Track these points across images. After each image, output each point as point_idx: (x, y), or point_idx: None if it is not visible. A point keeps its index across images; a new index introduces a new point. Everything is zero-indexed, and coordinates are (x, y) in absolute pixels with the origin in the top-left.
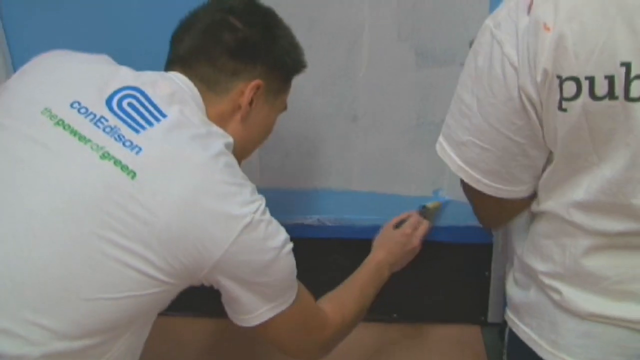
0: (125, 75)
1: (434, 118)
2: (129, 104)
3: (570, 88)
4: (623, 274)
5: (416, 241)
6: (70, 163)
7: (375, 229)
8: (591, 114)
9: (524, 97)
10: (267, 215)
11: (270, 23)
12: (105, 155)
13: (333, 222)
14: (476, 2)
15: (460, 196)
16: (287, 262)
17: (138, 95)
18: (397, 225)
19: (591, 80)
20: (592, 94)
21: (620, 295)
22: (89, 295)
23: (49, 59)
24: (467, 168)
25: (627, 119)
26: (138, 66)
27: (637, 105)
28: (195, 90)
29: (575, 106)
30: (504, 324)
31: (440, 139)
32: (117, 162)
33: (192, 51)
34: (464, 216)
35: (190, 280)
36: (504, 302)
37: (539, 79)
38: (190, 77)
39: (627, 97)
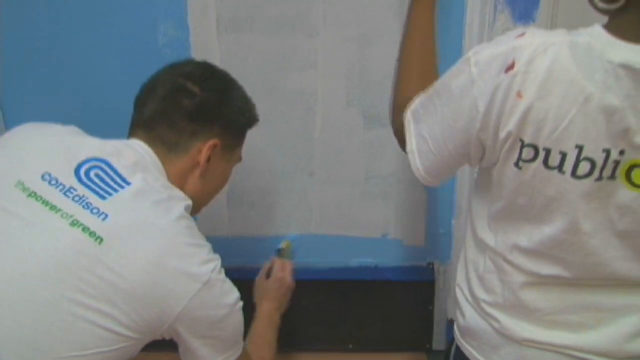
0: (92, 146)
1: (381, 172)
2: (96, 174)
3: (529, 152)
4: (553, 307)
5: (288, 280)
6: (42, 231)
7: (333, 270)
8: (541, 178)
9: (478, 139)
10: (223, 274)
11: (225, 86)
12: (75, 223)
13: (294, 265)
14: None
15: (406, 238)
16: (239, 318)
17: (103, 165)
18: (267, 275)
19: (547, 151)
20: (546, 163)
21: (551, 325)
22: (61, 354)
23: (22, 132)
24: (415, 156)
25: (568, 192)
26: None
27: (580, 182)
28: (155, 157)
29: (530, 168)
30: (447, 350)
31: (409, 116)
32: (85, 229)
33: (154, 116)
34: (410, 258)
35: (153, 335)
36: (446, 331)
37: (501, 135)
38: (153, 140)
39: (574, 174)
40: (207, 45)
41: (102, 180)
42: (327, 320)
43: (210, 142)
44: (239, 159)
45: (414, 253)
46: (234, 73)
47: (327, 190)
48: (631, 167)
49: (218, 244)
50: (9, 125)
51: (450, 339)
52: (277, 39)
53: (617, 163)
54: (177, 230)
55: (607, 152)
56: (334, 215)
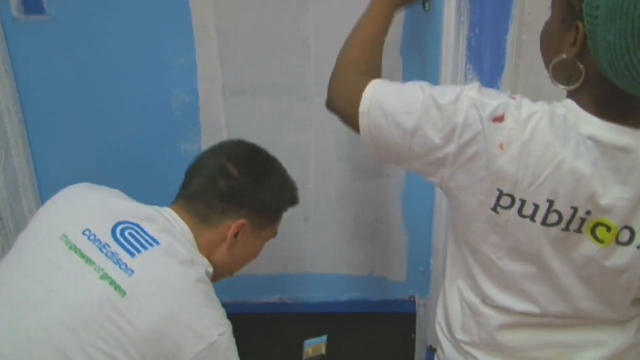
0: (130, 210)
1: (367, 218)
2: (130, 234)
3: (506, 200)
4: (524, 345)
5: None
6: (76, 282)
7: (325, 304)
8: (514, 223)
9: (442, 150)
10: (230, 341)
11: (263, 171)
12: (104, 276)
13: (291, 300)
14: None
15: (390, 275)
16: None
17: (137, 228)
18: None
19: (523, 202)
20: (520, 212)
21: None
22: None
23: (72, 192)
24: (369, 139)
25: (537, 237)
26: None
27: (549, 229)
28: (185, 227)
29: (506, 213)
30: None
31: (374, 99)
32: (112, 282)
33: (195, 190)
34: (393, 292)
35: None
36: (426, 357)
37: (477, 172)
38: (189, 210)
39: (543, 223)
40: (214, 109)
41: (134, 239)
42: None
43: (239, 222)
44: (273, 234)
45: (397, 288)
46: (238, 133)
47: (320, 234)
48: (596, 225)
49: (222, 283)
50: (40, 179)
51: None
52: (276, 103)
53: (583, 220)
54: (194, 292)
55: (575, 210)
56: (326, 255)
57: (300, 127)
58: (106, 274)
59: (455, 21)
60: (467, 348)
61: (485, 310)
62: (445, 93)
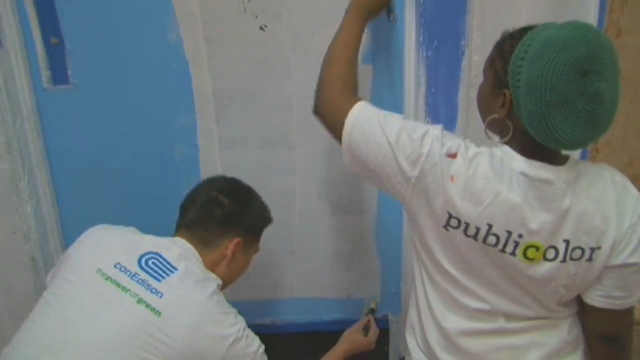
0: (149, 243)
1: (345, 249)
2: (153, 263)
3: (454, 222)
4: (481, 350)
5: (373, 345)
6: (117, 307)
7: (310, 324)
8: (460, 240)
9: (402, 172)
10: (247, 331)
11: (247, 198)
12: (140, 301)
13: (280, 322)
14: None
15: (367, 297)
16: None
17: (158, 257)
18: (365, 329)
19: (467, 224)
20: (465, 232)
21: None
22: None
23: (97, 233)
24: (348, 153)
25: (479, 252)
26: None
27: (488, 247)
28: (194, 250)
29: (454, 232)
30: None
31: (358, 119)
32: (147, 305)
33: (194, 220)
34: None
35: None
36: None
37: (431, 198)
38: (192, 238)
39: (484, 242)
40: (211, 159)
41: (157, 267)
42: None
43: (235, 241)
44: (257, 250)
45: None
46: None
47: (304, 264)
48: (527, 247)
49: None
50: (64, 223)
51: None
52: (264, 153)
53: (517, 243)
54: (211, 303)
55: (509, 233)
56: (310, 282)
57: (285, 172)
58: (141, 298)
59: (415, 83)
60: (435, 349)
61: (449, 316)
62: (415, 128)
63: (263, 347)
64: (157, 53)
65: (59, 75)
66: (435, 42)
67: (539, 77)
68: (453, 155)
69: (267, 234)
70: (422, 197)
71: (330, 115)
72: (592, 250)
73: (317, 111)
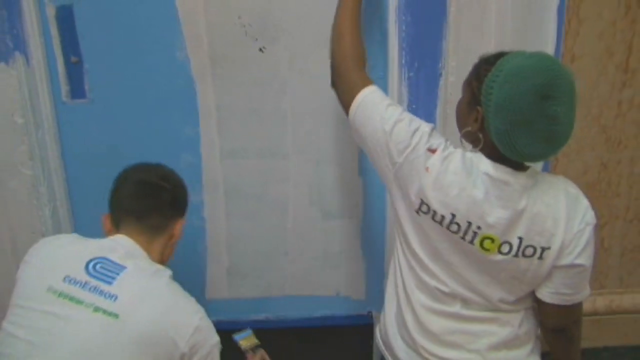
0: (93, 248)
1: (334, 250)
2: (101, 267)
3: (425, 207)
4: (443, 332)
5: None
6: (77, 322)
7: (301, 320)
8: (429, 225)
9: (390, 158)
10: (208, 322)
11: (179, 180)
12: (96, 309)
13: (274, 317)
14: (353, 180)
15: (353, 295)
16: (217, 357)
17: (104, 261)
18: None
19: (435, 211)
20: (433, 218)
21: (442, 344)
22: None
23: (40, 249)
24: (354, 127)
25: (443, 238)
26: None
27: (451, 234)
28: (138, 247)
29: (424, 217)
30: None
31: (365, 100)
32: (104, 312)
33: (145, 209)
34: (355, 309)
35: None
36: (381, 357)
37: (407, 186)
38: (142, 228)
39: (448, 229)
40: (213, 168)
41: (106, 269)
42: (299, 353)
43: (181, 220)
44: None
45: (358, 305)
46: (234, 187)
47: (297, 264)
48: (484, 239)
49: (220, 304)
50: (77, 224)
51: None
52: (262, 161)
53: (475, 233)
54: (169, 292)
55: (469, 223)
56: (302, 281)
57: (281, 180)
58: (97, 306)
59: (397, 100)
60: (413, 333)
61: (416, 293)
62: (411, 122)
63: (220, 346)
64: (166, 71)
65: (77, 90)
66: (416, 64)
67: (506, 99)
68: (433, 151)
69: (263, 237)
70: (402, 181)
71: (344, 91)
72: (543, 249)
73: (334, 85)
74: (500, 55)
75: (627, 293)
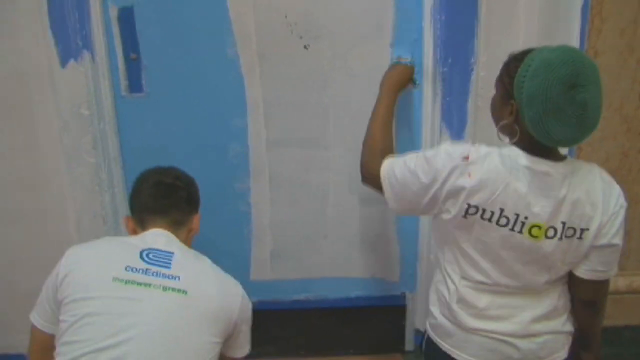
0: (136, 242)
1: (370, 234)
2: (153, 255)
3: (472, 209)
4: (486, 305)
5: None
6: (151, 301)
7: (340, 300)
8: (479, 224)
9: (434, 192)
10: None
11: (191, 179)
12: (165, 288)
13: (314, 298)
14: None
15: (387, 277)
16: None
17: (153, 250)
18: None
19: (484, 210)
20: (482, 216)
21: (484, 317)
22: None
23: (81, 250)
24: (392, 199)
25: (493, 234)
26: None
27: (501, 229)
28: (173, 236)
29: (472, 218)
30: (421, 343)
31: (387, 167)
32: (173, 289)
33: (167, 206)
34: (389, 289)
35: (227, 336)
36: (414, 337)
37: (454, 194)
38: (166, 223)
39: (497, 223)
40: (260, 157)
41: (158, 257)
42: (337, 332)
43: (197, 215)
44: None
45: (392, 287)
46: (278, 175)
47: (336, 248)
48: (532, 227)
49: (263, 285)
50: None
51: (418, 343)
52: (305, 151)
53: (523, 223)
54: (215, 269)
55: (517, 216)
56: (340, 263)
57: (322, 169)
58: (165, 286)
59: (432, 93)
60: (454, 307)
61: (462, 282)
62: (430, 153)
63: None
64: (217, 67)
65: (135, 85)
66: (450, 60)
67: (537, 90)
68: (467, 157)
69: (306, 220)
70: (448, 195)
71: (372, 180)
72: (582, 230)
73: (364, 181)
74: (527, 52)
75: None
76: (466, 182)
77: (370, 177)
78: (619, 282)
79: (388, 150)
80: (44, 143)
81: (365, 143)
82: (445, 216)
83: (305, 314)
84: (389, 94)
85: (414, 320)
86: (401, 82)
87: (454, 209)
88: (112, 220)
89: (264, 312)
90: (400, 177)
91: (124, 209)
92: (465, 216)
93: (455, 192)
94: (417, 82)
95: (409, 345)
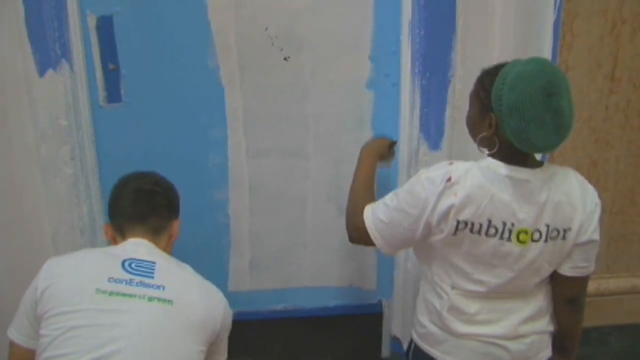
0: (117, 252)
1: (348, 243)
2: (136, 265)
3: (462, 225)
4: (475, 312)
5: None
6: (136, 312)
7: (317, 309)
8: (468, 237)
9: (427, 221)
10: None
11: (170, 184)
12: (150, 299)
13: (292, 307)
14: None
15: (364, 285)
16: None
17: (134, 260)
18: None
19: (472, 223)
20: (471, 230)
21: (473, 322)
22: None
23: (61, 262)
24: (377, 237)
25: (482, 245)
26: None
27: (490, 239)
28: (152, 244)
29: (462, 232)
30: (407, 350)
31: (369, 213)
32: (159, 299)
33: (146, 213)
34: (367, 298)
35: (210, 344)
36: (390, 344)
37: (444, 216)
38: (145, 230)
39: (486, 235)
40: (239, 167)
41: (141, 267)
42: (314, 340)
43: (178, 221)
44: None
45: (369, 295)
46: (257, 185)
47: (315, 257)
48: (519, 232)
49: (241, 296)
50: None
51: (394, 350)
52: (284, 161)
53: (510, 231)
54: (197, 277)
55: (504, 224)
56: (320, 272)
57: (301, 178)
58: (150, 297)
59: (410, 105)
60: (445, 314)
61: (453, 292)
62: (409, 185)
63: None
64: (197, 78)
65: (113, 95)
66: (428, 73)
67: (517, 101)
68: (449, 179)
69: (285, 230)
70: (439, 219)
71: (359, 236)
72: (565, 231)
73: (351, 240)
74: (499, 66)
75: (613, 278)
76: (453, 200)
77: (357, 233)
78: (588, 286)
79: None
80: (19, 153)
81: (348, 208)
82: (437, 237)
83: (283, 323)
84: (369, 161)
85: (391, 327)
86: (380, 151)
87: (446, 228)
88: (90, 232)
89: (242, 323)
90: (387, 219)
91: (101, 220)
92: (455, 233)
93: (445, 213)
94: (395, 151)
95: (385, 352)
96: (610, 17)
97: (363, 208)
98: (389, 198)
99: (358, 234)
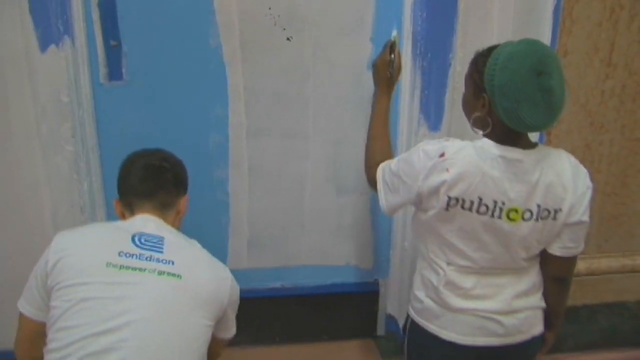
0: (126, 226)
1: (346, 223)
2: (145, 240)
3: (453, 201)
4: (472, 285)
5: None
6: (146, 286)
7: (316, 287)
8: (460, 214)
9: (418, 191)
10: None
11: (178, 160)
12: (160, 273)
13: (289, 285)
14: None
15: (361, 264)
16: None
17: (144, 235)
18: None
19: (463, 200)
20: (462, 206)
21: (469, 297)
22: (187, 344)
23: (71, 235)
24: (382, 197)
25: (474, 221)
26: None
27: (481, 216)
28: (160, 220)
29: (454, 208)
30: (404, 326)
31: (380, 174)
32: (168, 274)
33: (153, 188)
34: (363, 276)
35: (218, 319)
36: (385, 322)
37: (435, 190)
38: (153, 206)
39: (477, 212)
40: (239, 147)
41: (150, 242)
42: (312, 318)
43: (185, 197)
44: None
45: (365, 274)
46: (257, 165)
47: (313, 236)
48: (510, 211)
49: (240, 274)
50: (108, 197)
51: (390, 328)
52: (284, 141)
53: (501, 209)
54: (205, 253)
55: (495, 202)
56: (317, 251)
57: (301, 158)
58: (160, 271)
59: (410, 87)
60: (441, 289)
61: (448, 267)
62: (409, 154)
63: None
64: (199, 55)
65: (114, 72)
66: (429, 55)
67: (508, 81)
68: (442, 155)
69: (284, 209)
70: (430, 192)
71: (372, 185)
72: (556, 211)
73: (369, 183)
74: (492, 48)
75: (604, 257)
76: (445, 176)
77: (372, 185)
78: (579, 265)
79: (386, 158)
80: (18, 130)
81: (369, 146)
82: (430, 212)
83: (279, 301)
84: (379, 97)
85: (386, 306)
86: (384, 76)
87: (437, 203)
88: (90, 210)
89: (240, 300)
90: (390, 182)
91: (101, 198)
92: (447, 209)
93: (436, 188)
94: (399, 45)
95: (380, 330)
96: (609, 3)
97: (377, 163)
98: (394, 162)
99: (373, 187)
